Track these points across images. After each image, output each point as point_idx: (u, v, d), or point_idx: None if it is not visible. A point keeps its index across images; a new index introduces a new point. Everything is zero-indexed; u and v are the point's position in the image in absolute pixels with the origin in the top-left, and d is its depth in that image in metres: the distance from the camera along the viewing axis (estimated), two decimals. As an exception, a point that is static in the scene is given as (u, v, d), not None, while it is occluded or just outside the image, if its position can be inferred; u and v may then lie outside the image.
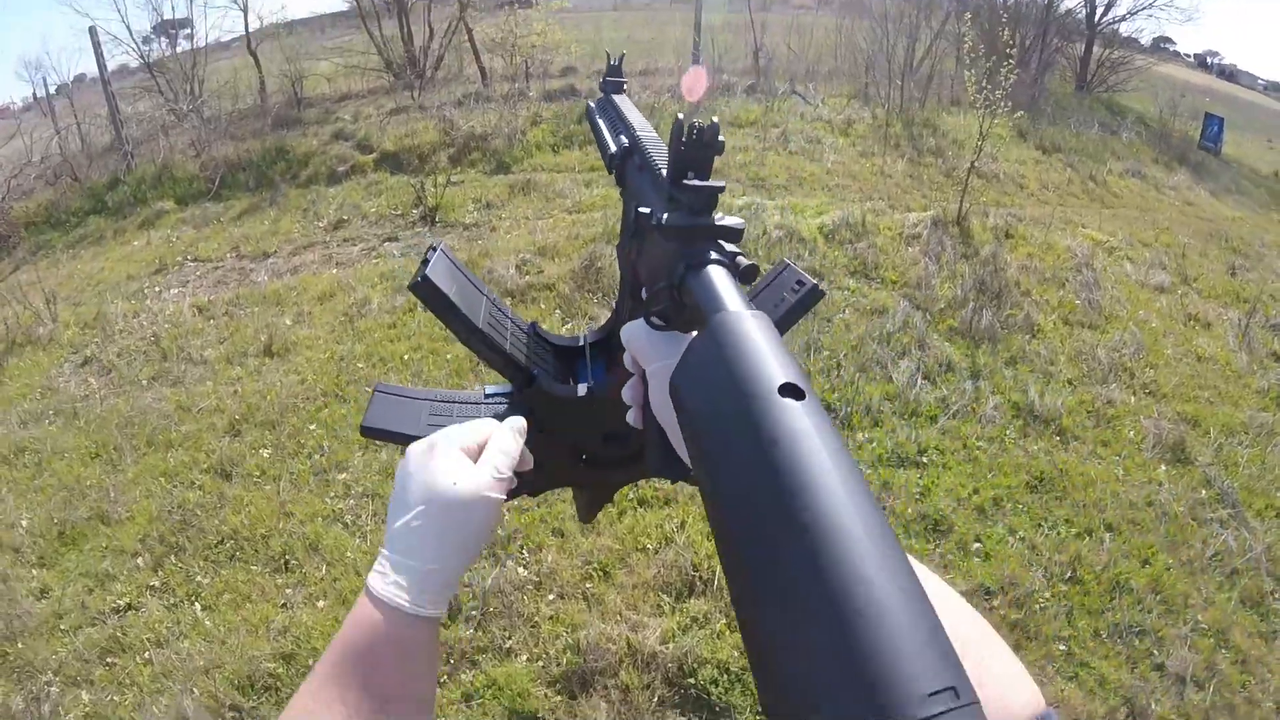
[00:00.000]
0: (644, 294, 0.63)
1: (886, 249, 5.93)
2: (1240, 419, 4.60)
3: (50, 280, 6.24)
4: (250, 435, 4.05)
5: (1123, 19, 19.25)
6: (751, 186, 7.80)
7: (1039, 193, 8.92)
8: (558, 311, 5.05)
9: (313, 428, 4.07)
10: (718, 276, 0.47)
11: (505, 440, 0.62)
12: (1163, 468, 4.09)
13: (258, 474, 3.79)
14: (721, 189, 0.51)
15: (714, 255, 0.49)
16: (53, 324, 5.52)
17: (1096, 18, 17.73)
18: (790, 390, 0.34)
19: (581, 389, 0.75)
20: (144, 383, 4.71)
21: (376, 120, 10.08)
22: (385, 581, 0.54)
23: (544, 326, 0.80)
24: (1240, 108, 23.05)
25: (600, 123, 0.83)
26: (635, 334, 0.55)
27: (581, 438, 0.78)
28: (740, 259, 0.49)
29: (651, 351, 0.54)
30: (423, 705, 0.54)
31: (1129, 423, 4.40)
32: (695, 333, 0.53)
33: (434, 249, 0.72)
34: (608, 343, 0.80)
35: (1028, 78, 12.25)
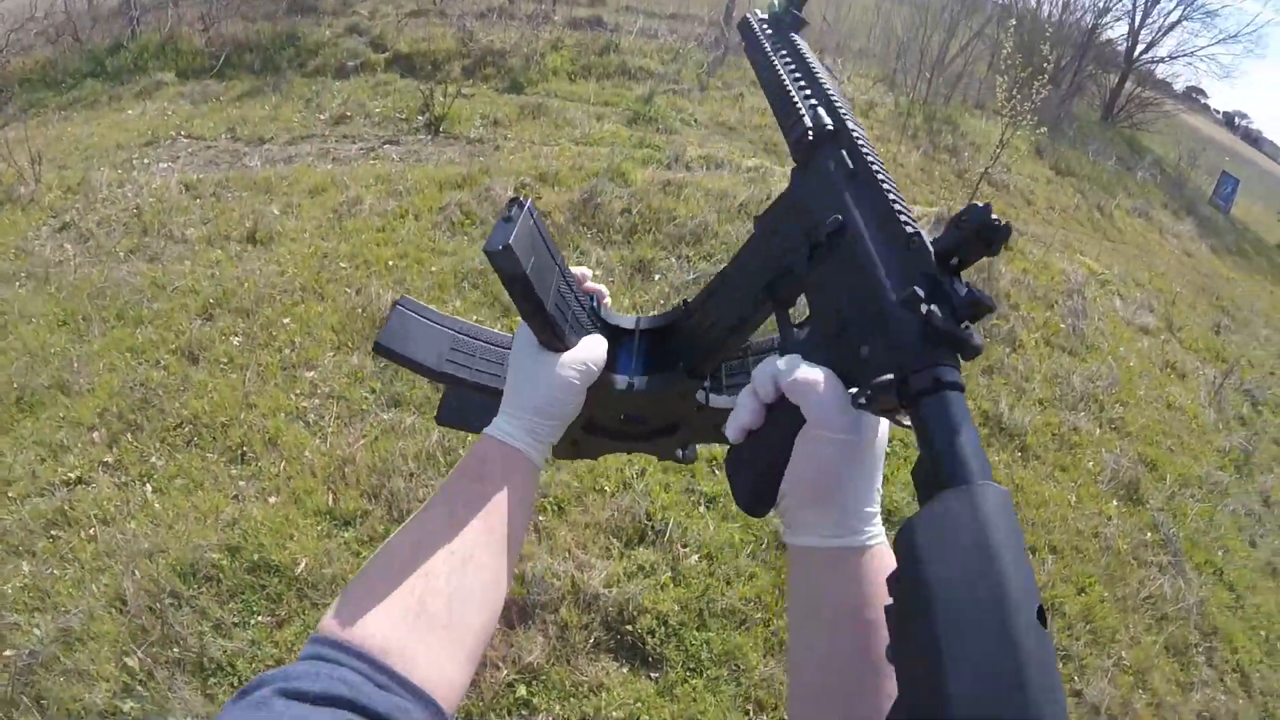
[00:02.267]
0: (805, 323, 0.61)
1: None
2: (1197, 472, 4.71)
3: (38, 140, 6.02)
4: (222, 321, 3.98)
5: (1161, 60, 19.17)
6: (763, 150, 7.70)
7: (1045, 212, 8.93)
8: (550, 241, 4.98)
9: (287, 321, 4.00)
10: (962, 416, 0.45)
11: (595, 349, 0.71)
12: (1115, 503, 4.18)
13: (225, 361, 3.73)
14: (994, 310, 0.48)
15: (953, 378, 0.46)
16: (35, 185, 5.34)
17: (1136, 53, 17.65)
18: (1041, 615, 0.35)
19: (621, 381, 0.73)
20: (121, 255, 4.59)
21: (394, 20, 9.76)
22: (500, 428, 0.67)
23: (607, 303, 0.76)
24: (1258, 174, 23.25)
25: (775, 62, 0.67)
26: (820, 386, 0.54)
27: (599, 413, 0.77)
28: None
29: (832, 416, 0.53)
30: (508, 528, 0.64)
31: (1090, 453, 4.48)
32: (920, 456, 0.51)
33: (519, 204, 0.65)
34: (660, 333, 0.76)
35: (1056, 97, 12.17)
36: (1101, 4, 16.65)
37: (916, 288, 0.48)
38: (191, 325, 3.92)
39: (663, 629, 2.72)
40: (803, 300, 0.63)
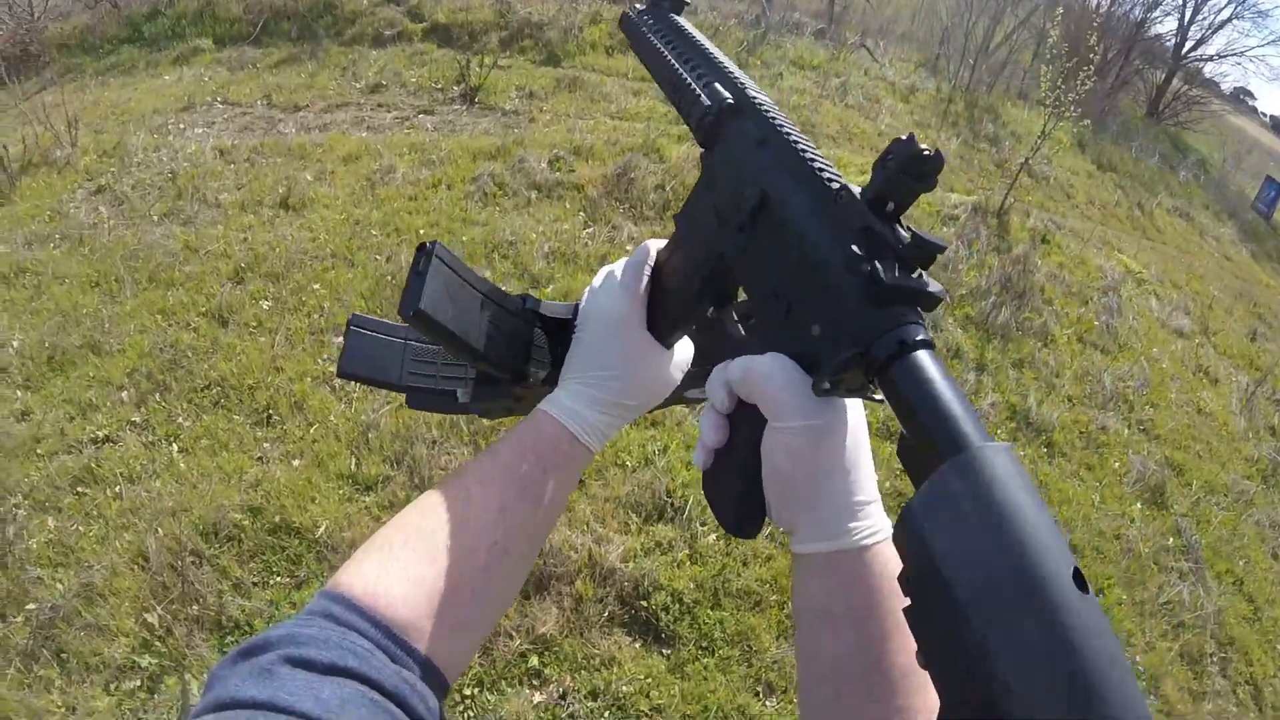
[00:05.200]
0: (744, 304, 0.57)
1: (922, 224, 5.83)
2: (1224, 480, 4.62)
3: (75, 105, 6.07)
4: (253, 285, 4.02)
5: (1210, 59, 18.61)
6: (801, 129, 7.60)
7: (1084, 206, 8.74)
8: (581, 214, 4.99)
9: (316, 287, 4.04)
10: (939, 375, 0.41)
11: (634, 259, 0.66)
12: (1138, 505, 4.11)
13: (254, 325, 3.77)
14: (944, 249, 0.44)
15: (919, 336, 0.42)
16: (71, 148, 5.41)
17: (1184, 50, 17.17)
18: (1079, 579, 0.32)
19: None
20: (155, 218, 4.65)
21: (432, -10, 9.73)
22: (583, 420, 0.62)
23: (536, 296, 0.72)
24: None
25: (662, 49, 0.66)
26: (772, 377, 0.49)
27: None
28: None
29: (791, 406, 0.48)
30: (550, 525, 0.61)
31: (1117, 453, 4.41)
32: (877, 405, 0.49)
33: (425, 252, 0.62)
34: None
35: (1101, 90, 11.89)
36: (1152, -3, 16.25)
37: (854, 246, 0.44)
38: (222, 289, 3.97)
39: (677, 606, 2.73)
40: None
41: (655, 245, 0.66)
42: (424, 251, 0.62)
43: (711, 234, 0.58)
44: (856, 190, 0.46)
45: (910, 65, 10.87)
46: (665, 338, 0.65)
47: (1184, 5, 16.77)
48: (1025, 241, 6.11)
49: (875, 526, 0.50)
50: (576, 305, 0.70)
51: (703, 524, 3.02)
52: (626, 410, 0.64)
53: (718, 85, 0.60)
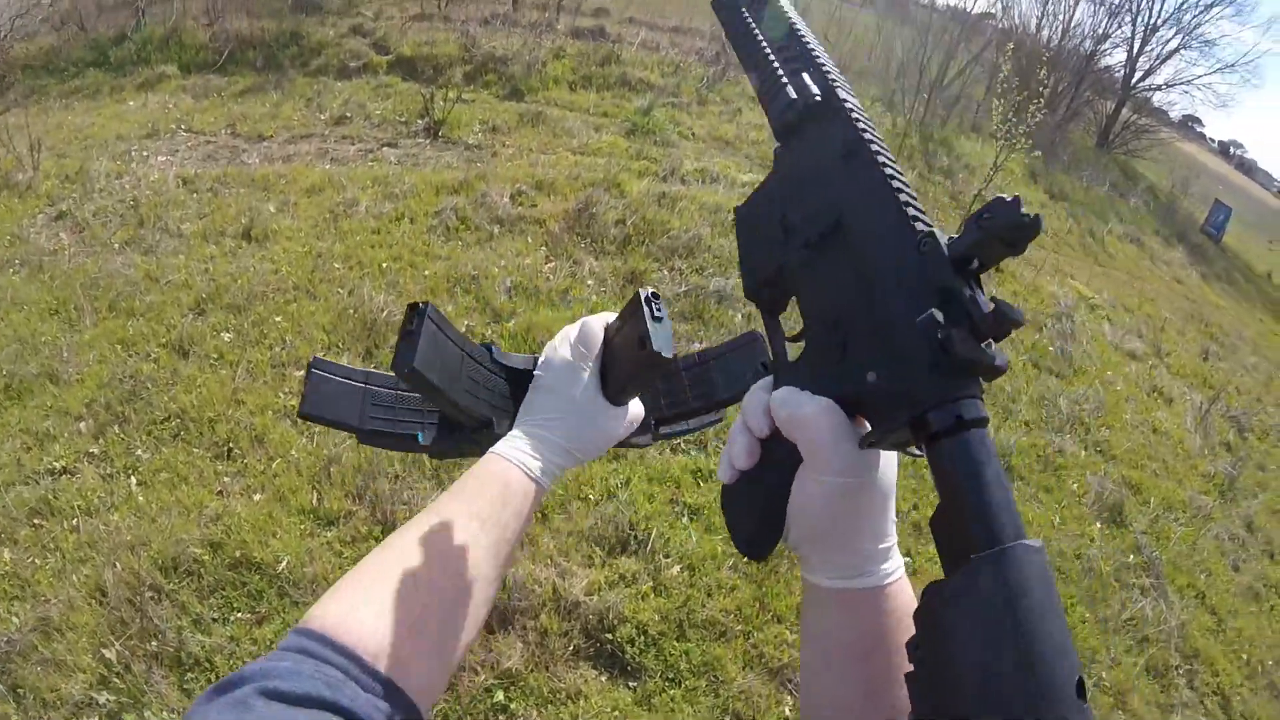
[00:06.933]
0: (800, 336, 0.54)
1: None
2: (1181, 496, 4.73)
3: (38, 127, 6.00)
4: (214, 316, 3.98)
5: (1158, 88, 19.38)
6: (760, 165, 7.76)
7: (1037, 236, 8.99)
8: (543, 249, 5.01)
9: (278, 319, 4.01)
10: (987, 460, 0.40)
11: (582, 330, 0.72)
12: (1098, 525, 4.20)
13: (215, 356, 3.73)
14: (1023, 323, 0.41)
15: (977, 414, 0.41)
16: (33, 172, 5.33)
17: (1133, 80, 17.84)
18: (1081, 689, 0.33)
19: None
20: (116, 246, 4.58)
21: (398, 22, 9.78)
22: (538, 466, 0.67)
23: (499, 346, 0.77)
24: (1250, 203, 23.49)
25: (755, 29, 0.58)
26: (820, 426, 0.49)
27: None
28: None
29: (832, 457, 0.49)
30: (509, 554, 0.65)
31: (1074, 475, 4.51)
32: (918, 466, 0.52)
33: (418, 313, 0.64)
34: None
35: (1052, 122, 12.28)
36: (1100, 30, 16.96)
37: (934, 311, 0.41)
38: (183, 319, 3.92)
39: (642, 638, 2.72)
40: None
41: (601, 322, 0.73)
42: (416, 312, 0.64)
43: (776, 244, 0.54)
44: (943, 240, 0.43)
45: (867, 100, 11.15)
46: (616, 396, 0.70)
47: (1133, 37, 17.54)
48: (981, 270, 6.26)
49: (891, 568, 0.53)
50: (535, 358, 0.75)
51: (666, 556, 3.02)
52: (569, 456, 0.69)
53: (806, 78, 0.53)
